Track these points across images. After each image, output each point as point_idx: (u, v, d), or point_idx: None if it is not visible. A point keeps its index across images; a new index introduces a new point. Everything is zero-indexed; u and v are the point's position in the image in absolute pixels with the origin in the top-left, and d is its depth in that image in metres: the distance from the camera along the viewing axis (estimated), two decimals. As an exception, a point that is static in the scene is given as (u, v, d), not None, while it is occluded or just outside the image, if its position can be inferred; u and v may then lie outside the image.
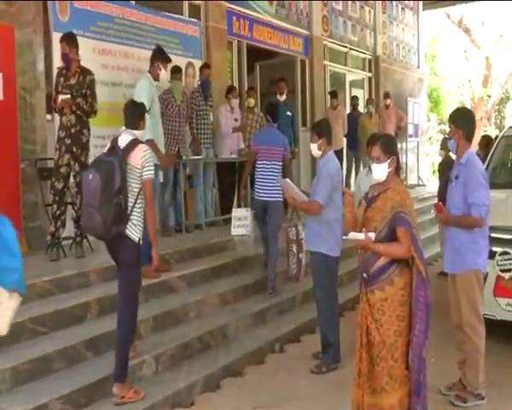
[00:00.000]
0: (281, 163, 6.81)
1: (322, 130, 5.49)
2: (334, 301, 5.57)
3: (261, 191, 6.80)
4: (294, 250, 6.28)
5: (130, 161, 4.50)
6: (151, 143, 5.82)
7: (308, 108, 12.84)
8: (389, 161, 3.96)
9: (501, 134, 8.01)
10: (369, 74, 15.71)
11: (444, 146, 8.56)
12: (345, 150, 12.47)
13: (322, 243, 5.34)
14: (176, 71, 8.06)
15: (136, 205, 4.51)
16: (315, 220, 5.36)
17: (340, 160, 11.38)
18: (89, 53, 7.38)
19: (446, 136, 7.36)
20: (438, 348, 5.48)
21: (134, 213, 4.50)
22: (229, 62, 10.78)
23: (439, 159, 9.30)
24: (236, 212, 7.33)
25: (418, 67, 18.53)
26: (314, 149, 5.45)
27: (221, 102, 9.27)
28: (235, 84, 10.58)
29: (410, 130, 16.41)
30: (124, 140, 4.61)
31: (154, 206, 4.84)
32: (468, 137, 4.75)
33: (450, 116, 4.92)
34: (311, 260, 5.55)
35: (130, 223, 4.47)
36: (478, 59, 25.99)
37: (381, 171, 3.98)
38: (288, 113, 9.83)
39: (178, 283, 6.36)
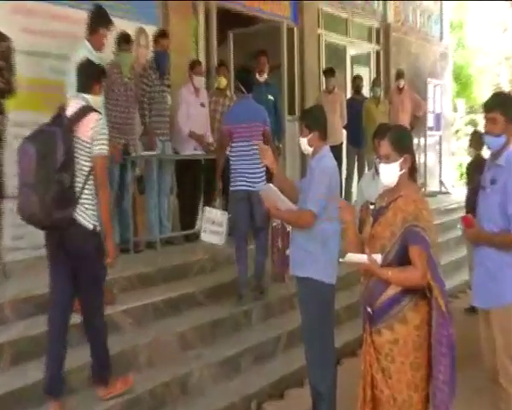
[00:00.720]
0: (261, 142, 6.93)
1: (313, 120, 5.53)
2: (329, 343, 5.59)
3: (241, 180, 6.98)
4: (280, 245, 6.35)
5: (78, 132, 4.73)
6: None
7: (297, 90, 12.93)
8: (401, 160, 4.00)
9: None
10: (377, 47, 15.86)
11: (474, 142, 8.65)
12: (344, 146, 12.55)
13: (314, 266, 5.31)
14: (124, 40, 8.08)
15: (88, 186, 4.76)
16: (304, 236, 5.37)
17: (339, 158, 11.46)
18: (4, 13, 7.35)
19: (478, 129, 7.44)
20: (467, 408, 5.52)
21: (85, 195, 4.75)
22: (193, 30, 10.81)
23: (468, 159, 9.40)
24: (210, 213, 7.41)
25: (441, 38, 18.76)
26: (304, 144, 5.49)
27: (183, 81, 9.28)
28: (203, 59, 10.60)
29: (431, 121, 16.57)
30: (73, 106, 4.85)
31: (107, 187, 5.12)
32: (510, 127, 4.81)
33: (487, 103, 4.95)
34: (299, 289, 5.55)
35: (80, 207, 4.72)
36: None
37: (390, 173, 4.02)
38: (270, 96, 9.87)
39: (124, 318, 6.34)
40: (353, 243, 4.15)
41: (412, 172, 4.08)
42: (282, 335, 7.15)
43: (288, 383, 6.53)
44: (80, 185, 4.74)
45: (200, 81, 9.22)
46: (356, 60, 15.43)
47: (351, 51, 15.11)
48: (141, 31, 9.33)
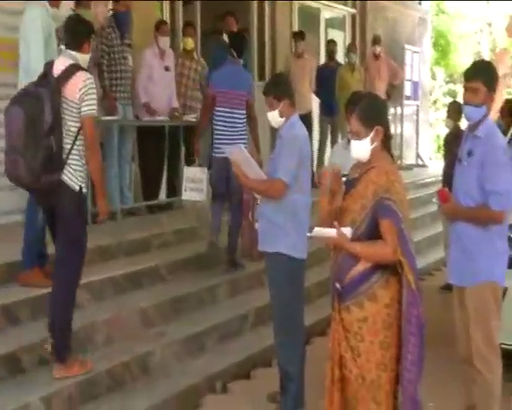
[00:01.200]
0: (243, 111, 6.99)
1: (280, 89, 5.48)
2: (299, 322, 5.61)
3: (221, 146, 7.03)
4: (250, 219, 6.41)
5: (65, 92, 4.91)
6: None
7: (267, 55, 12.91)
8: (372, 134, 3.99)
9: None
10: (353, 11, 15.84)
11: (452, 113, 8.69)
12: (317, 115, 12.52)
13: (283, 240, 5.31)
14: None
15: (75, 147, 5.00)
16: (273, 208, 5.35)
17: (309, 128, 11.44)
18: None
19: (456, 99, 7.46)
20: (438, 390, 5.59)
21: (72, 156, 4.99)
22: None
23: (446, 130, 9.45)
24: (189, 172, 7.59)
25: (420, 2, 18.79)
26: (274, 117, 5.44)
27: (145, 43, 9.20)
28: (167, 20, 10.51)
29: (408, 90, 16.65)
30: (60, 65, 5.00)
31: (98, 148, 5.39)
32: (491, 98, 4.84)
33: (468, 71, 4.96)
34: (267, 264, 5.56)
35: (68, 168, 4.97)
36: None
37: (361, 149, 4.02)
38: (240, 61, 9.83)
39: (81, 293, 6.27)
40: (328, 219, 4.13)
41: (385, 142, 4.07)
42: (250, 312, 7.17)
43: (256, 363, 6.56)
44: (68, 147, 4.96)
45: (165, 42, 9.15)
46: (330, 24, 15.40)
47: (325, 15, 15.06)
48: (99, -14, 9.15)
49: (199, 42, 10.95)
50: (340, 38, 15.03)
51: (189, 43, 9.62)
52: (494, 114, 8.33)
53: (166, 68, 9.19)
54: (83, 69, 5.07)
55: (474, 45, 28.41)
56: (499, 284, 4.83)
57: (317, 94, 12.44)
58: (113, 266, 6.95)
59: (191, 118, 9.48)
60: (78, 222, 5.14)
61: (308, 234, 4.15)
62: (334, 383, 3.99)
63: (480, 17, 27.59)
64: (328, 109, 12.48)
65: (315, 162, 11.71)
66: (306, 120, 11.25)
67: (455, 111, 8.46)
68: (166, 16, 10.71)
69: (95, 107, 5.06)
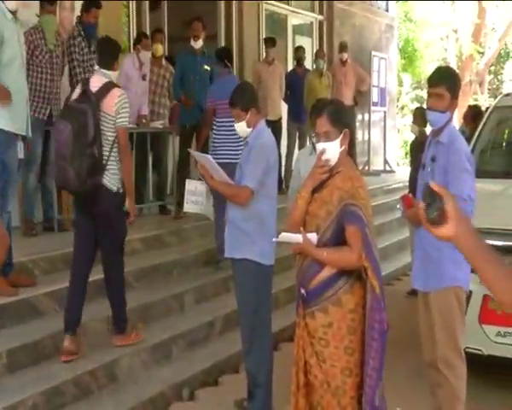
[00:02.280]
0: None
1: (246, 100, 5.49)
2: (267, 328, 5.62)
3: (222, 153, 7.36)
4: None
5: (103, 107, 5.64)
6: None
7: (235, 60, 12.86)
8: (341, 136, 4.02)
9: (493, 104, 8.26)
10: (320, 17, 15.93)
11: (418, 119, 8.75)
12: (285, 121, 12.56)
13: (251, 247, 5.33)
14: (48, 1, 7.87)
15: (112, 154, 5.72)
16: (240, 216, 5.37)
17: (278, 134, 11.50)
18: None
19: (422, 105, 7.54)
20: (404, 394, 5.62)
21: (110, 162, 5.70)
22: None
23: (413, 136, 9.52)
24: (190, 184, 7.63)
25: (387, 9, 18.95)
26: (242, 128, 5.46)
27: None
28: (133, 26, 10.51)
29: (375, 96, 16.75)
30: (96, 82, 5.72)
31: (129, 154, 6.16)
32: (455, 104, 4.88)
33: (432, 77, 4.99)
34: (235, 271, 5.56)
35: (106, 173, 5.67)
36: (467, 1, 26.67)
37: (331, 151, 4.03)
38: (206, 67, 9.82)
39: (46, 303, 6.26)
40: (297, 224, 4.13)
41: (350, 147, 4.10)
42: (217, 319, 7.16)
43: (223, 370, 6.56)
44: (107, 154, 5.68)
45: (146, 56, 9.31)
46: (298, 30, 15.46)
47: (292, 21, 15.12)
48: (64, -9, 9.08)
49: (166, 47, 10.93)
50: (308, 45, 15.09)
51: (159, 49, 9.63)
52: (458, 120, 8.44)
53: (143, 77, 9.25)
54: (116, 86, 5.87)
55: (440, 52, 28.66)
56: (463, 288, 4.88)
57: (286, 100, 12.48)
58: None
59: (158, 124, 9.47)
60: (118, 218, 5.87)
61: (274, 239, 4.16)
62: (300, 389, 4.00)
63: (445, 23, 27.82)
64: (296, 115, 12.52)
65: (283, 168, 11.74)
66: (276, 125, 11.36)
67: (420, 117, 8.52)
68: (133, 21, 10.67)
69: (127, 119, 5.86)
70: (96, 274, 6.92)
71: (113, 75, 5.94)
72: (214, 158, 7.44)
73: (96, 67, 6.03)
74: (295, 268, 4.39)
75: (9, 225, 6.30)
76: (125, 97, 5.81)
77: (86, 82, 5.80)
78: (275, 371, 5.57)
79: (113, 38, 6.23)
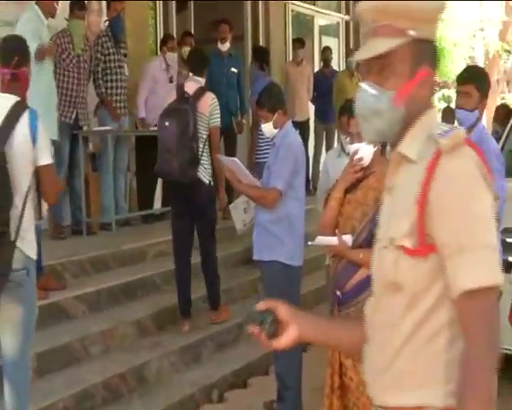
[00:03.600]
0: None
1: (273, 101, 5.49)
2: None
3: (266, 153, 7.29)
4: None
5: (199, 108, 6.42)
6: None
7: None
8: (375, 136, 3.98)
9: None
10: (347, 18, 15.85)
11: (446, 118, 8.72)
12: (312, 122, 12.52)
13: (281, 249, 5.30)
14: (78, 6, 7.89)
15: (205, 150, 6.48)
16: (269, 217, 5.34)
17: (306, 134, 11.48)
18: None
19: (450, 105, 7.47)
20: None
21: (203, 157, 6.45)
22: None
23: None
24: (236, 209, 7.56)
25: (414, 8, 18.80)
26: (269, 129, 5.44)
27: (139, 52, 9.20)
28: (160, 29, 10.52)
29: (402, 96, 16.62)
30: (191, 87, 6.56)
31: (219, 150, 7.02)
32: (484, 103, 4.82)
33: (461, 76, 4.94)
34: (264, 273, 5.53)
35: (201, 167, 6.41)
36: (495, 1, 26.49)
37: (365, 152, 4.01)
38: (233, 69, 9.84)
39: (76, 305, 6.29)
40: (331, 224, 4.10)
41: (383, 147, 4.06)
42: (245, 321, 7.13)
43: (252, 372, 6.54)
44: (201, 149, 6.41)
45: (173, 58, 9.31)
46: (324, 31, 15.40)
47: (319, 21, 15.07)
48: (92, -6, 9.12)
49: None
50: (335, 45, 15.03)
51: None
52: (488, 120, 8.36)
53: (171, 80, 9.24)
54: (208, 90, 6.75)
55: (467, 50, 28.46)
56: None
57: (312, 101, 12.44)
58: (109, 277, 6.93)
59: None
60: (211, 207, 6.65)
61: (309, 242, 4.13)
62: (334, 391, 3.99)
63: (472, 22, 27.63)
64: (323, 116, 12.45)
65: (310, 169, 11.71)
66: (304, 126, 11.34)
67: (449, 116, 8.48)
68: (160, 24, 10.69)
69: (219, 119, 6.65)
70: (125, 276, 6.97)
71: (202, 81, 6.83)
72: (258, 159, 7.55)
73: (190, 74, 6.88)
74: (323, 269, 4.37)
75: (39, 227, 6.31)
76: (216, 101, 6.66)
77: (181, 87, 6.71)
78: (303, 373, 5.55)
79: (203, 50, 7.37)
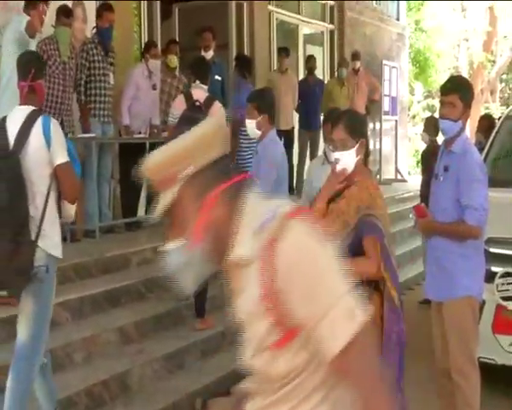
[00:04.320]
0: None
1: (264, 102, 5.55)
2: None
3: (250, 161, 7.46)
4: None
5: (209, 115, 6.37)
6: None
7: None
8: (357, 146, 4.03)
9: (505, 113, 8.26)
10: (331, 27, 15.92)
11: (429, 128, 8.75)
12: (296, 130, 12.56)
13: None
14: (65, 13, 7.91)
15: None
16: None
17: (291, 143, 11.53)
18: None
19: (434, 115, 7.55)
20: (418, 403, 5.60)
21: None
22: (135, 4, 10.73)
23: (424, 145, 9.51)
24: None
25: (398, 18, 18.92)
26: (251, 127, 5.52)
27: (126, 59, 9.22)
28: (144, 36, 10.54)
29: (386, 105, 16.73)
30: (199, 95, 6.97)
31: None
32: (467, 113, 4.88)
33: (445, 86, 4.99)
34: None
35: None
36: (479, 10, 26.63)
37: (347, 160, 4.03)
38: (217, 77, 9.85)
39: (59, 312, 6.25)
40: None
41: (365, 157, 4.11)
42: (228, 328, 7.15)
43: (236, 380, 6.51)
44: None
45: (156, 65, 9.27)
46: (309, 39, 15.47)
47: (303, 30, 15.14)
48: (77, 3, 9.13)
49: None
50: (319, 54, 15.09)
51: (174, 61, 9.65)
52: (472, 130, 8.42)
53: (154, 87, 9.24)
54: (215, 98, 7.23)
55: (451, 61, 28.60)
56: (476, 298, 4.86)
57: (297, 109, 12.50)
58: (92, 284, 6.92)
59: (170, 135, 9.50)
60: None
61: None
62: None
63: (456, 32, 27.77)
64: (307, 123, 12.54)
65: (294, 177, 11.77)
66: (289, 134, 11.41)
67: (431, 126, 8.53)
68: (144, 32, 10.71)
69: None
70: (108, 283, 6.97)
71: (206, 88, 7.27)
72: (241, 165, 7.68)
73: (197, 82, 7.27)
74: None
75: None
76: (222, 108, 7.17)
77: (190, 95, 7.08)
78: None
79: (205, 58, 7.95)
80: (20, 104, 4.81)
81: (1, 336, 5.66)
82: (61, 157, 4.59)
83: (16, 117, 4.64)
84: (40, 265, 4.47)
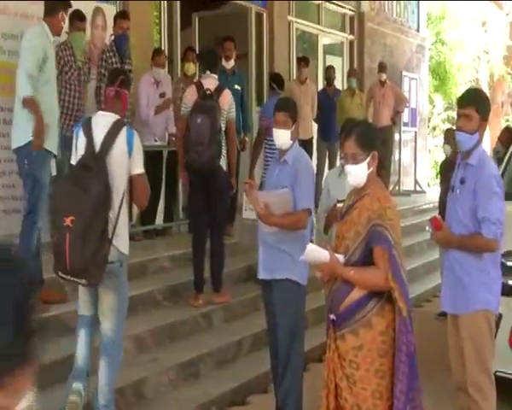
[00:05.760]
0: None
1: (294, 112, 5.50)
2: (301, 349, 5.54)
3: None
4: None
5: (220, 103, 7.11)
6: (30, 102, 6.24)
7: (265, 80, 12.91)
8: (369, 158, 4.03)
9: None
10: (351, 37, 15.92)
11: (449, 139, 8.72)
12: (315, 140, 12.56)
13: (293, 267, 5.23)
14: (78, 18, 7.89)
15: (223, 140, 7.19)
16: (278, 236, 5.30)
17: (309, 153, 11.49)
18: None
19: (454, 126, 7.54)
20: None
21: (222, 146, 7.15)
22: (156, 12, 10.78)
23: (443, 157, 9.48)
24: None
25: (418, 30, 18.89)
26: (285, 137, 5.37)
27: (144, 67, 9.24)
28: (164, 44, 10.56)
29: (406, 116, 16.68)
30: (210, 83, 7.23)
31: (236, 140, 7.93)
32: (484, 126, 4.88)
33: (462, 98, 4.99)
34: (277, 292, 5.41)
35: (222, 156, 7.15)
36: (500, 24, 26.53)
37: (359, 174, 4.04)
38: (237, 86, 9.83)
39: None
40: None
41: (379, 168, 4.11)
42: (245, 339, 7.16)
43: (251, 390, 6.54)
44: (223, 141, 7.18)
45: (159, 73, 9.21)
46: (328, 50, 15.47)
47: (323, 40, 15.14)
48: (97, 10, 9.13)
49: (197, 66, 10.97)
50: (339, 64, 15.09)
51: (191, 68, 9.63)
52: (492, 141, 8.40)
53: (161, 95, 9.20)
54: (225, 87, 7.48)
55: (471, 73, 28.49)
56: (493, 311, 4.84)
57: (316, 119, 12.49)
58: (109, 291, 6.92)
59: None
60: (228, 191, 7.50)
61: (301, 257, 4.17)
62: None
63: (477, 46, 27.68)
64: (325, 134, 12.56)
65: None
66: (308, 145, 11.37)
67: (451, 137, 8.49)
68: (164, 40, 10.74)
69: (235, 112, 7.53)
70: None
71: (216, 77, 7.48)
72: (264, 174, 7.81)
73: (207, 72, 7.45)
74: (324, 289, 4.39)
75: (39, 240, 6.36)
76: (232, 96, 7.47)
77: (200, 85, 7.30)
78: (304, 392, 5.55)
79: (214, 49, 8.19)
80: (105, 109, 5.32)
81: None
82: (139, 168, 5.18)
83: (100, 122, 5.10)
84: (113, 261, 5.01)
